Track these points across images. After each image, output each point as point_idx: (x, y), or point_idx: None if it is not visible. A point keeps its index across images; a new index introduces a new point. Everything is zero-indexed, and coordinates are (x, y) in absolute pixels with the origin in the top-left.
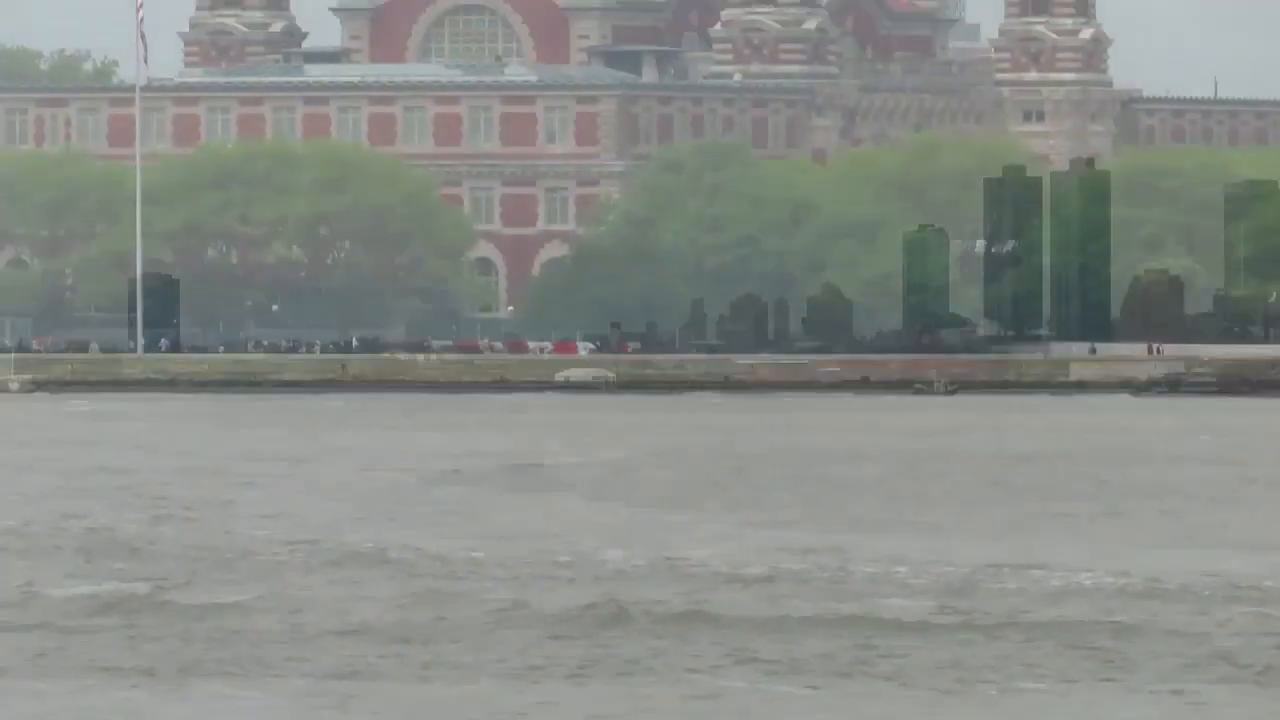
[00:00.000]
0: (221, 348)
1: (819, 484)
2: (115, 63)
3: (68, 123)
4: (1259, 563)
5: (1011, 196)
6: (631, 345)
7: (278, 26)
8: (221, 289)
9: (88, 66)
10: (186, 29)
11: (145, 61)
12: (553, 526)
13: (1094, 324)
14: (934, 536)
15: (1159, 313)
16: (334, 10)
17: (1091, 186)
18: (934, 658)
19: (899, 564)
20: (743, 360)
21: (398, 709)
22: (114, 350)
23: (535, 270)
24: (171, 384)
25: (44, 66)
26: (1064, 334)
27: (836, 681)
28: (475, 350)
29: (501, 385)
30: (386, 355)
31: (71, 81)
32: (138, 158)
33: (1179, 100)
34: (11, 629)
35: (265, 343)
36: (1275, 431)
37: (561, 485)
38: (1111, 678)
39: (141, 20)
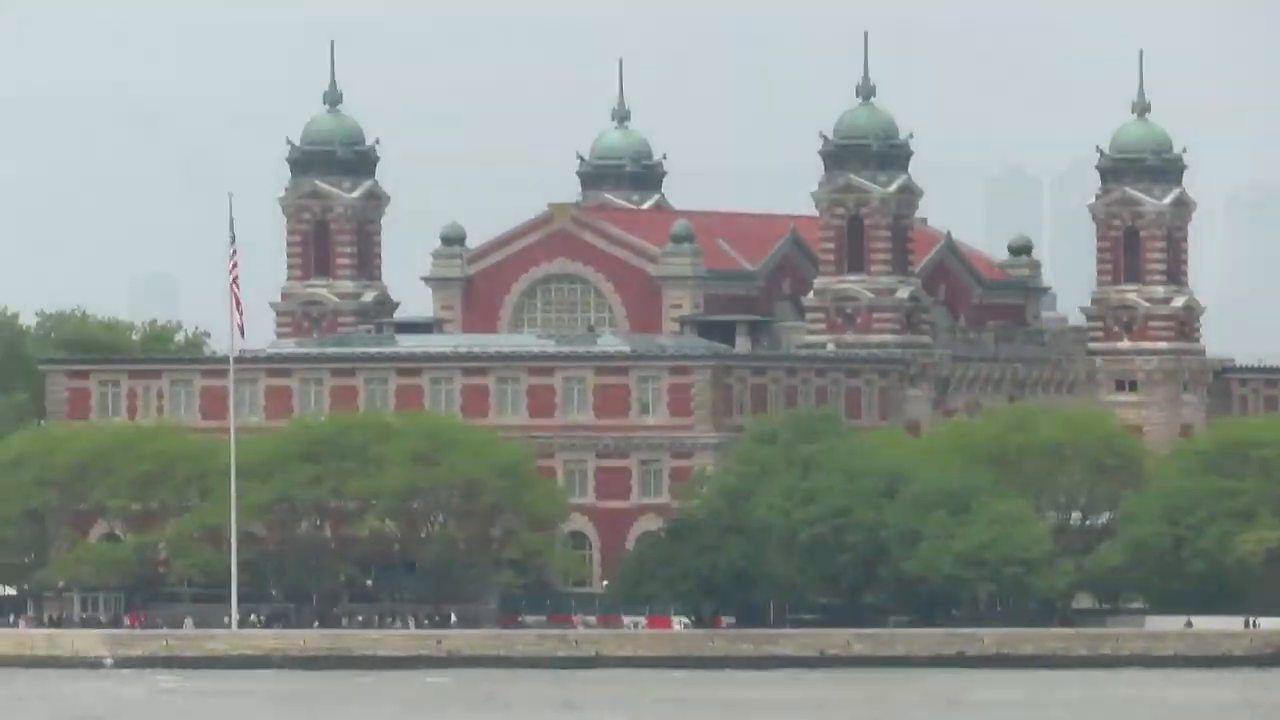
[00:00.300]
0: (316, 623)
1: None
2: (207, 334)
3: (160, 395)
4: None
5: (1107, 468)
6: (726, 620)
7: (369, 297)
8: (315, 563)
9: (179, 338)
10: (278, 299)
11: (242, 333)
12: None
13: (1190, 596)
14: None
15: (1255, 585)
16: (426, 280)
17: (1186, 458)
18: None
19: None
20: (838, 634)
21: None
22: (208, 626)
23: (629, 543)
24: (265, 660)
25: (135, 338)
26: (1159, 607)
27: None
28: (569, 624)
29: (594, 660)
30: (482, 630)
31: (163, 353)
32: (231, 431)
33: (1271, 370)
34: None
35: (360, 617)
36: None
37: None
38: None
39: (236, 291)
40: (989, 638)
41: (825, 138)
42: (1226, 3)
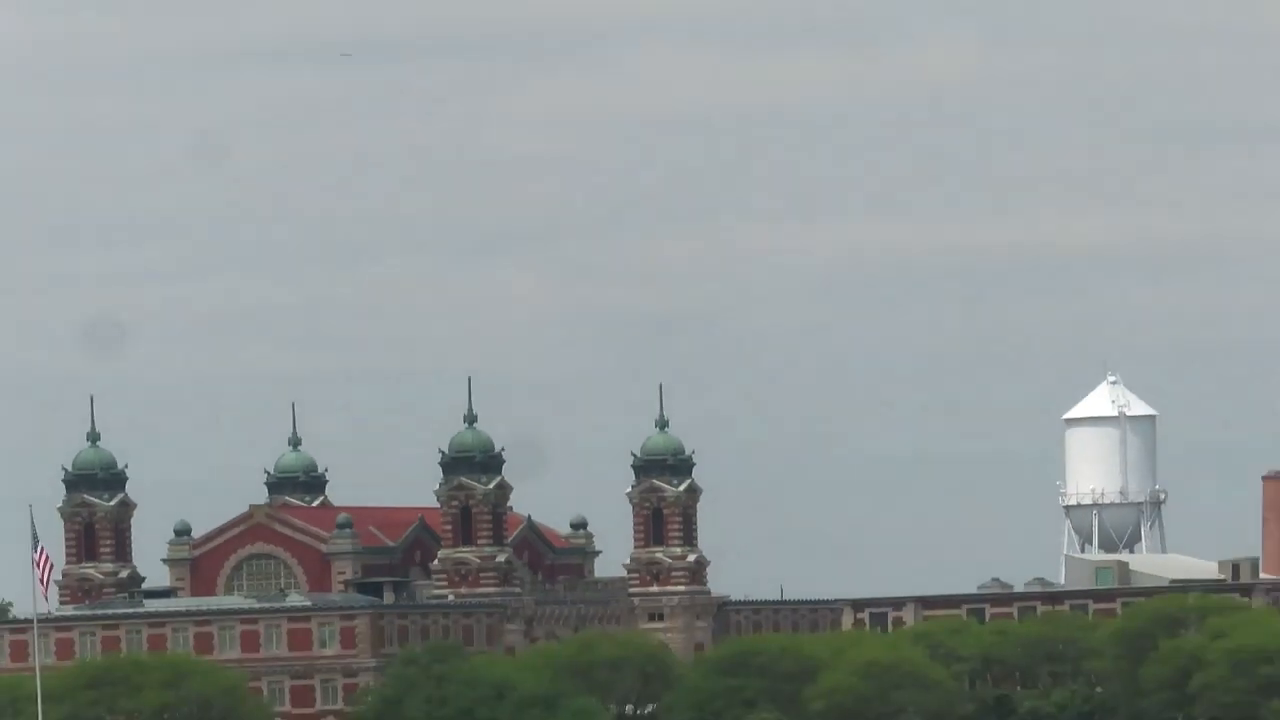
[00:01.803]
0: None
1: None
2: (10, 602)
3: None
4: None
5: (649, 674)
6: None
7: (124, 573)
8: None
9: None
10: (60, 576)
11: (46, 599)
12: None
13: None
14: None
15: None
16: (165, 560)
17: (702, 664)
18: None
19: None
20: None
21: None
22: None
23: None
24: None
25: None
26: None
27: None
28: None
29: None
30: None
31: None
32: (37, 669)
33: (759, 602)
34: None
35: None
36: None
37: None
38: None
39: (40, 572)
40: None
41: (443, 451)
42: None
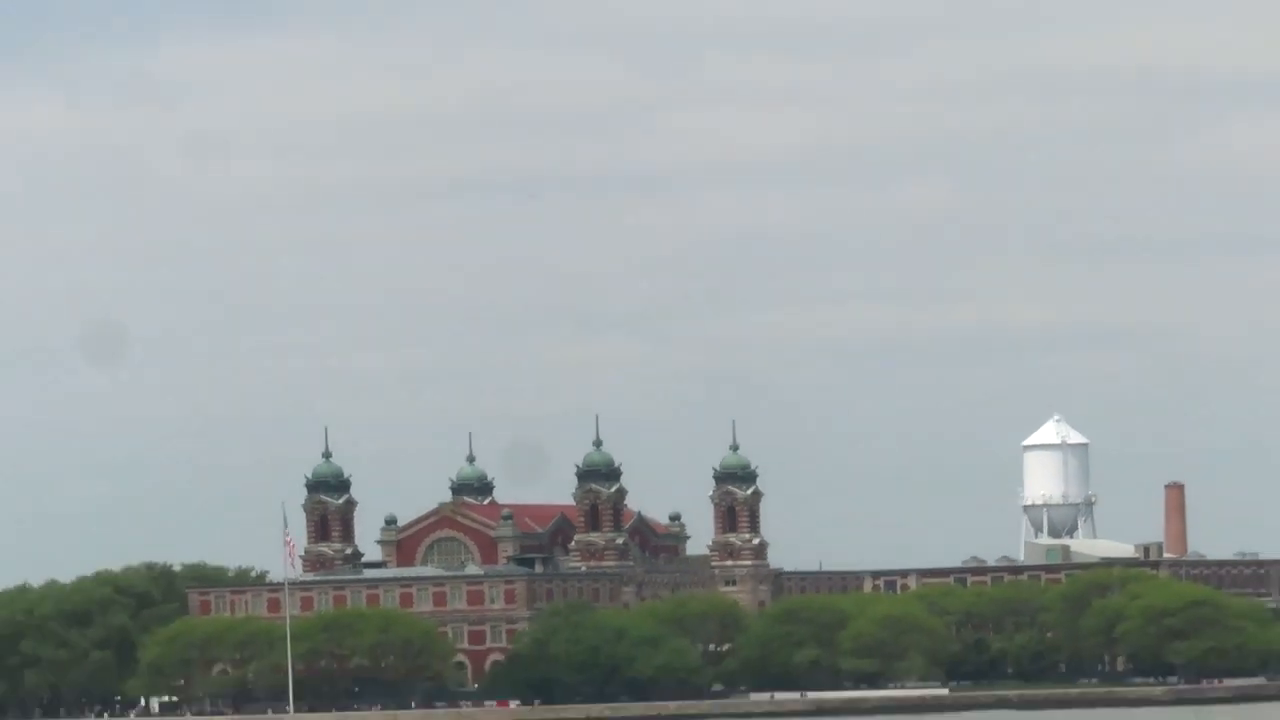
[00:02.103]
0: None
1: None
2: (267, 571)
3: (246, 604)
4: None
5: (724, 624)
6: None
7: (349, 550)
8: (325, 678)
9: (253, 573)
10: (303, 552)
11: (293, 568)
12: None
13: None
14: None
15: None
16: (377, 541)
17: (764, 617)
18: None
19: None
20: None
21: None
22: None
23: (485, 669)
24: None
25: (230, 573)
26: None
27: None
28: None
29: None
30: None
31: (245, 580)
32: (286, 618)
33: (804, 573)
34: None
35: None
36: None
37: None
38: None
39: (288, 549)
40: None
41: (578, 466)
42: None
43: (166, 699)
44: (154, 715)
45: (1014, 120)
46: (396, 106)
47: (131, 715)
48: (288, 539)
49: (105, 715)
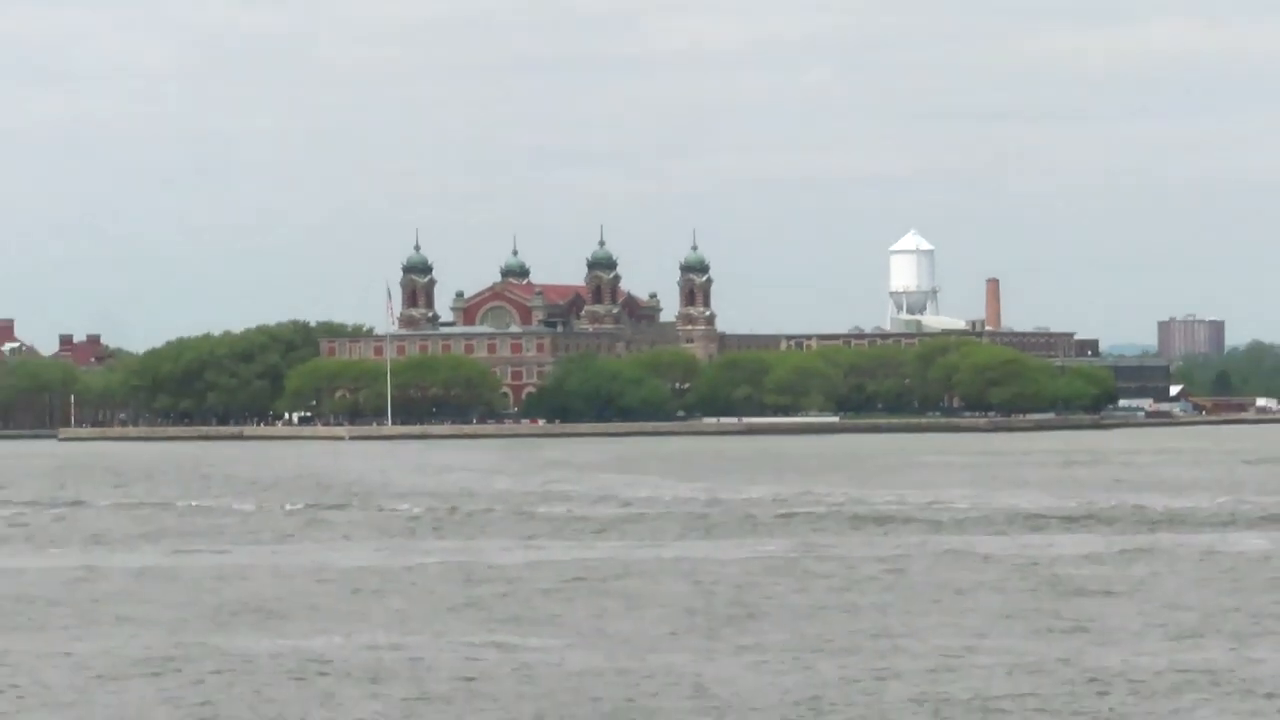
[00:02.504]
0: None
1: None
2: (374, 326)
3: (360, 349)
4: None
5: (686, 368)
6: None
7: (430, 314)
8: None
9: (364, 328)
10: (398, 313)
11: (394, 324)
12: None
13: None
14: None
15: None
16: (450, 308)
17: (712, 365)
18: None
19: None
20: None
21: None
22: None
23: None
24: None
25: (349, 328)
26: None
27: None
28: None
29: None
30: None
31: (359, 333)
32: (387, 359)
33: (741, 335)
34: None
35: None
36: None
37: None
38: None
39: (390, 311)
40: None
41: (588, 259)
42: None
43: (304, 414)
44: (295, 425)
45: None
46: None
47: (279, 424)
48: (389, 305)
49: (261, 424)
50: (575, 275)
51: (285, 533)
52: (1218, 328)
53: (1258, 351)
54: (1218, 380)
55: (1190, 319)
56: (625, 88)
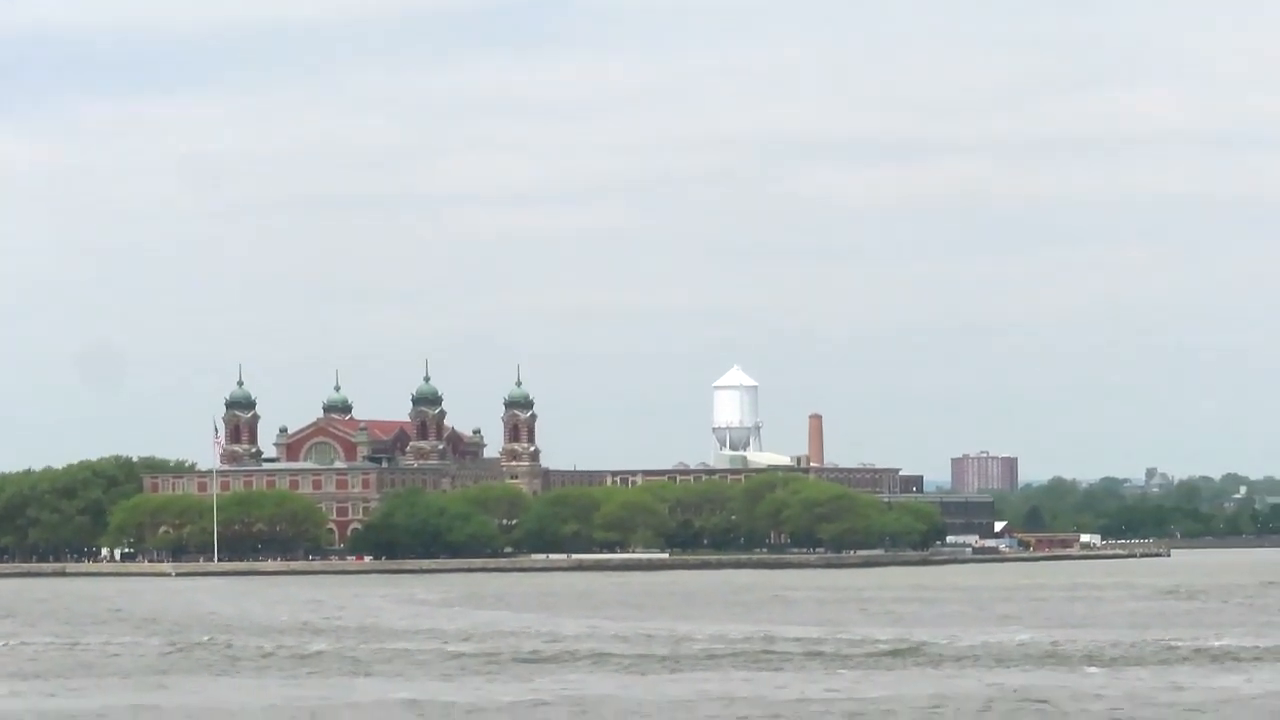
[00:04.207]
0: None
1: None
2: (196, 462)
3: (183, 485)
4: None
5: (512, 504)
6: None
7: (254, 450)
8: None
9: (188, 464)
10: (223, 450)
11: (217, 460)
12: None
13: None
14: None
15: None
16: (274, 444)
17: (538, 500)
18: None
19: None
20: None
21: None
22: None
23: None
24: None
25: (172, 464)
26: None
27: None
28: None
29: None
30: None
31: (183, 469)
32: (214, 494)
33: (565, 472)
34: None
35: None
36: None
37: None
38: None
39: (217, 447)
40: None
41: (413, 395)
42: None
43: (126, 550)
44: (116, 561)
45: None
46: None
47: (102, 560)
48: (217, 440)
49: (83, 560)
50: (400, 411)
51: None
52: (1010, 464)
53: (1060, 487)
54: (1030, 515)
55: (984, 455)
56: (442, 225)
